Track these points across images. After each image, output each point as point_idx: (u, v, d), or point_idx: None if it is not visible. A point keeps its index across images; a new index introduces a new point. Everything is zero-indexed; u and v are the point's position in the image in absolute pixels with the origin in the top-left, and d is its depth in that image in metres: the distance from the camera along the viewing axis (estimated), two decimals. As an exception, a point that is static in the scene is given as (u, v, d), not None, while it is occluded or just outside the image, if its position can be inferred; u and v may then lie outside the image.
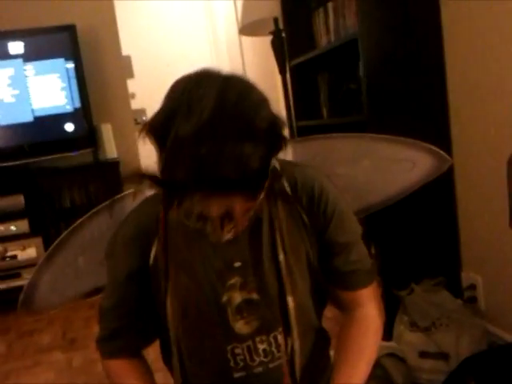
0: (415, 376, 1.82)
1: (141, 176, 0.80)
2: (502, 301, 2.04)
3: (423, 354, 1.84)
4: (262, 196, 0.80)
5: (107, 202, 1.28)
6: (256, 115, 0.75)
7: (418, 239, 2.20)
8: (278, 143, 0.80)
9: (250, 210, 0.83)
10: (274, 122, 0.78)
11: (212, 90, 0.75)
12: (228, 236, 0.86)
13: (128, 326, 1.03)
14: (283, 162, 0.93)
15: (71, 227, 1.27)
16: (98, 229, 1.18)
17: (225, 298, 0.96)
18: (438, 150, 1.32)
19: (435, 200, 2.20)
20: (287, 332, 0.96)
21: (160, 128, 0.77)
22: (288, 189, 0.96)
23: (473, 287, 2.16)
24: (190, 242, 0.96)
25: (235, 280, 0.96)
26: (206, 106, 0.73)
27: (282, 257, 0.94)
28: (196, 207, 0.78)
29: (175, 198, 0.78)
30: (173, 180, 0.75)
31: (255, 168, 0.74)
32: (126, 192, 1.24)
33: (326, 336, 1.14)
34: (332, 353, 1.15)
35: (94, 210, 1.28)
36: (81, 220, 1.28)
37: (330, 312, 1.14)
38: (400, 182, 1.36)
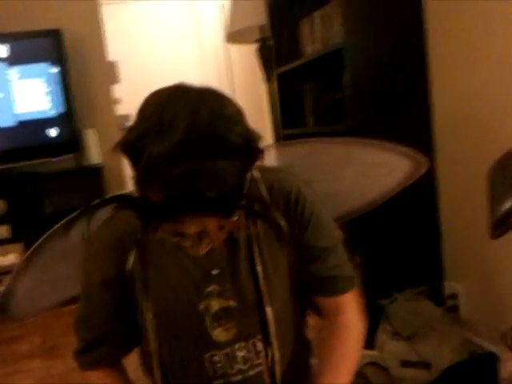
0: (397, 385, 1.82)
1: (117, 200, 0.80)
2: (483, 310, 2.06)
3: (405, 363, 1.85)
4: (237, 214, 0.80)
5: (84, 208, 1.25)
6: (229, 132, 0.74)
7: (400, 248, 2.21)
8: (253, 157, 0.80)
9: (226, 227, 0.83)
10: (248, 136, 0.78)
11: (184, 109, 0.74)
12: (206, 250, 0.85)
13: (104, 336, 1.02)
14: (261, 168, 0.93)
15: (48, 232, 1.25)
16: (79, 235, 1.16)
17: (202, 306, 0.96)
18: (414, 153, 1.32)
19: (418, 209, 2.21)
20: (267, 342, 0.95)
21: (133, 148, 0.76)
22: (265, 194, 0.96)
23: (455, 296, 2.17)
24: (167, 251, 0.96)
25: (213, 288, 0.96)
26: (178, 125, 0.73)
27: (259, 268, 0.94)
28: (172, 227, 0.78)
29: (151, 221, 0.78)
30: (147, 205, 0.75)
31: (230, 185, 0.74)
32: (106, 196, 1.22)
33: (308, 344, 1.14)
34: (314, 361, 1.15)
35: (73, 215, 1.26)
36: (58, 225, 1.25)
37: (313, 320, 1.13)
38: (378, 187, 1.36)
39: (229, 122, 0.76)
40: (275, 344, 0.95)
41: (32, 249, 1.26)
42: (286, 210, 0.97)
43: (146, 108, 0.79)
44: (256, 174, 0.93)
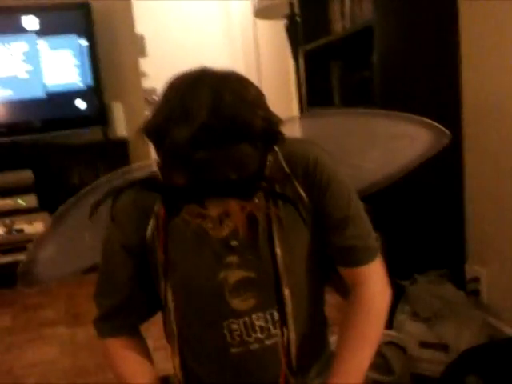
0: (414, 366, 1.83)
1: (140, 182, 0.82)
2: (504, 295, 2.04)
3: (423, 344, 1.85)
4: (257, 196, 0.82)
5: (112, 174, 1.26)
6: (252, 116, 0.75)
7: (423, 230, 2.20)
8: (275, 140, 0.81)
9: (247, 208, 0.84)
10: (270, 120, 0.78)
11: (207, 93, 0.75)
12: (227, 231, 0.86)
13: (123, 303, 1.04)
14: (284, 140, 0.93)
15: (71, 199, 1.26)
16: (104, 202, 1.17)
17: (221, 276, 0.97)
18: (436, 124, 1.30)
19: (443, 191, 2.19)
20: (283, 322, 0.96)
21: (156, 132, 0.78)
22: (285, 165, 0.96)
23: (476, 280, 2.16)
24: (187, 223, 0.97)
25: (232, 258, 0.97)
26: (201, 109, 0.73)
27: (278, 250, 0.94)
28: (194, 209, 0.80)
29: (174, 202, 0.80)
30: (171, 187, 0.77)
31: (253, 168, 0.75)
32: (133, 165, 1.23)
33: (325, 322, 1.14)
34: (333, 339, 1.16)
35: (96, 182, 1.28)
36: (82, 192, 1.25)
37: (333, 299, 1.14)
38: (400, 159, 1.34)
39: (251, 106, 0.77)
40: (291, 324, 0.96)
41: (54, 217, 1.29)
42: (304, 179, 0.97)
43: (168, 93, 0.80)
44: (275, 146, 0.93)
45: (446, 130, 1.30)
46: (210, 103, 0.74)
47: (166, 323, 1.09)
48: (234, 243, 0.96)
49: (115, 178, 1.27)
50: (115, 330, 1.06)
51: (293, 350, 0.97)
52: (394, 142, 1.35)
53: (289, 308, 0.96)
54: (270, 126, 0.78)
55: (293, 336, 0.97)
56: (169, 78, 0.82)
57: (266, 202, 0.92)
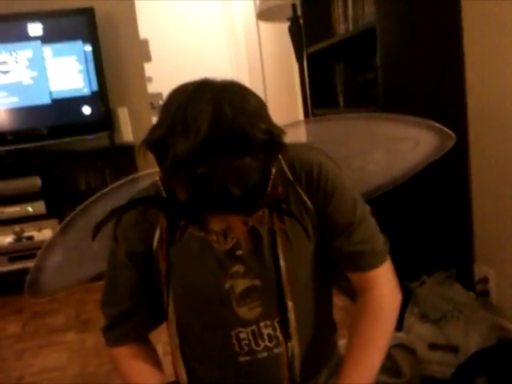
0: (424, 368, 1.82)
1: (143, 200, 0.82)
2: (513, 295, 2.04)
3: (433, 346, 1.84)
4: (261, 209, 0.81)
5: (120, 182, 1.28)
6: (253, 128, 0.75)
7: (431, 231, 2.20)
8: (277, 152, 0.81)
9: (249, 222, 0.85)
10: (272, 131, 0.78)
11: (207, 106, 0.75)
12: (231, 244, 0.87)
13: (129, 312, 1.04)
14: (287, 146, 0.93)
15: (77, 209, 1.27)
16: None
17: (228, 285, 0.97)
18: (441, 126, 1.30)
19: (450, 192, 2.19)
20: (287, 336, 0.96)
21: (158, 146, 0.77)
22: (288, 172, 0.96)
23: (485, 281, 2.15)
24: (191, 234, 0.97)
25: (238, 268, 0.97)
26: (202, 123, 0.73)
27: (282, 262, 0.94)
28: (197, 225, 0.80)
29: (177, 217, 0.80)
30: (173, 205, 0.77)
31: (255, 180, 0.75)
32: (142, 173, 1.24)
33: (333, 326, 1.14)
34: (341, 342, 1.16)
35: (106, 189, 1.28)
36: (90, 200, 1.27)
37: (340, 301, 1.14)
38: (404, 162, 1.34)
39: (252, 118, 0.76)
40: (295, 338, 0.96)
41: (62, 224, 1.30)
42: (308, 186, 0.96)
43: (169, 106, 0.80)
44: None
45: (451, 133, 1.29)
46: (211, 117, 0.74)
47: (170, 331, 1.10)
48: (238, 253, 0.96)
49: (122, 186, 1.29)
50: (122, 338, 1.07)
51: (296, 364, 0.97)
52: (398, 145, 1.35)
53: (292, 322, 0.96)
54: (272, 138, 0.77)
55: (296, 350, 0.97)
56: (169, 91, 0.83)
57: (270, 216, 0.93)
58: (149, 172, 1.32)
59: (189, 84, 0.81)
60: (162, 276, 0.99)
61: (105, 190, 1.28)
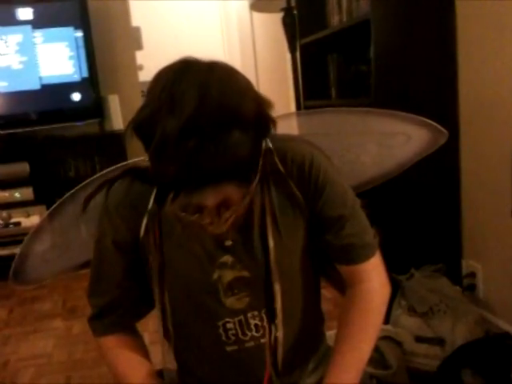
0: (410, 360, 1.83)
1: (132, 171, 0.81)
2: (500, 290, 2.05)
3: (419, 339, 1.86)
4: (256, 180, 0.81)
5: (109, 169, 1.26)
6: (241, 103, 0.75)
7: (420, 225, 2.21)
8: (267, 126, 0.81)
9: (247, 196, 0.83)
10: (260, 105, 0.78)
11: (194, 83, 0.75)
12: (226, 226, 0.85)
13: (116, 301, 1.03)
14: (273, 138, 0.92)
15: (64, 197, 1.26)
16: (98, 197, 1.17)
17: (215, 276, 0.96)
18: (433, 123, 1.30)
19: (440, 187, 2.20)
20: (271, 319, 0.95)
21: (145, 126, 0.77)
22: (279, 164, 0.95)
23: (472, 275, 2.17)
24: (181, 221, 0.96)
25: (226, 258, 0.96)
26: (189, 99, 0.73)
27: (271, 242, 0.93)
28: (192, 199, 0.78)
29: (169, 193, 0.79)
30: (164, 176, 0.75)
31: (246, 155, 0.75)
32: (130, 161, 1.23)
33: (320, 317, 1.15)
34: (329, 333, 1.17)
35: (93, 177, 1.26)
36: (78, 187, 1.26)
37: (329, 293, 1.14)
38: (396, 157, 1.34)
39: (239, 93, 0.77)
40: (280, 323, 0.95)
41: (50, 210, 1.28)
42: (299, 179, 0.96)
43: (155, 86, 0.79)
44: (269, 144, 0.92)
45: (443, 129, 1.30)
46: (197, 93, 0.74)
47: (163, 321, 1.09)
48: (227, 243, 0.96)
49: (111, 174, 1.27)
50: (109, 328, 1.06)
51: (280, 349, 0.97)
52: (389, 140, 1.35)
53: (278, 305, 0.94)
54: (260, 112, 0.78)
55: (280, 335, 0.96)
56: (167, 63, 0.82)
57: (261, 192, 0.92)
58: (138, 160, 1.31)
59: (172, 64, 0.81)
60: (149, 265, 0.98)
61: (93, 177, 1.27)
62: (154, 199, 0.91)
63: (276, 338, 0.95)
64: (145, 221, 0.96)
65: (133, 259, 1.01)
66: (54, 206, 1.27)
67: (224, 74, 0.79)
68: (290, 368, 1.04)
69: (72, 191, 1.27)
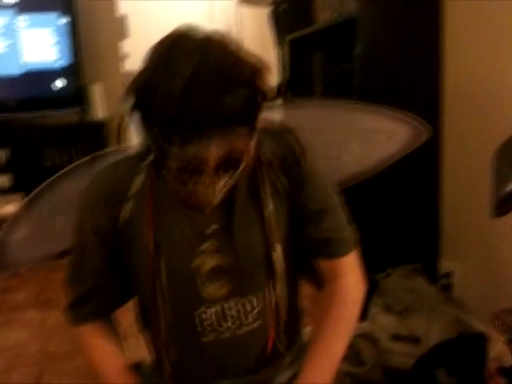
0: (386, 358, 1.84)
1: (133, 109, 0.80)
2: (476, 290, 2.07)
3: (395, 337, 1.87)
4: (255, 137, 0.83)
5: (86, 158, 1.26)
6: (239, 64, 0.78)
7: (398, 224, 2.22)
8: (263, 88, 0.81)
9: (249, 152, 0.84)
10: (257, 69, 0.80)
11: (193, 46, 0.77)
12: (220, 195, 0.85)
13: (94, 289, 1.02)
14: (262, 128, 0.92)
15: (48, 181, 1.25)
16: (76, 187, 1.15)
17: (194, 264, 0.96)
18: (414, 120, 1.32)
19: (419, 187, 2.21)
20: (272, 283, 0.96)
21: (143, 87, 0.78)
22: (263, 154, 0.96)
23: (448, 275, 2.18)
24: (163, 209, 0.96)
25: (207, 246, 0.96)
26: (188, 61, 0.75)
27: (271, 206, 0.95)
28: (195, 150, 0.77)
29: (164, 163, 0.79)
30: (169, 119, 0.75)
31: (244, 116, 0.77)
32: (108, 149, 1.22)
33: (299, 311, 1.15)
34: (305, 330, 1.17)
35: (71, 166, 1.27)
36: (57, 176, 1.25)
37: (306, 291, 1.14)
38: (378, 153, 1.36)
39: (237, 56, 0.79)
40: (281, 284, 0.96)
41: (28, 199, 1.27)
42: (282, 169, 0.97)
43: (153, 52, 0.80)
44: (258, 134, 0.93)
45: (424, 127, 1.31)
46: (196, 55, 0.75)
47: (141, 310, 1.08)
48: (208, 231, 0.96)
49: (90, 163, 1.27)
50: (87, 316, 1.05)
51: (282, 311, 0.98)
52: (372, 136, 1.37)
53: (279, 266, 0.95)
54: (258, 72, 0.80)
55: (282, 296, 0.97)
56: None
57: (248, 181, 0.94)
58: (117, 148, 1.30)
59: (172, 32, 0.82)
60: (137, 249, 0.97)
61: (71, 166, 1.25)
62: (149, 171, 0.93)
63: (277, 301, 0.97)
64: (125, 209, 0.96)
65: (112, 248, 1.00)
66: (31, 195, 1.26)
67: (222, 39, 0.81)
68: (267, 362, 1.04)
69: (49, 180, 1.26)
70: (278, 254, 0.96)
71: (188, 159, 0.79)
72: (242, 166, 0.85)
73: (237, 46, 0.82)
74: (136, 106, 0.79)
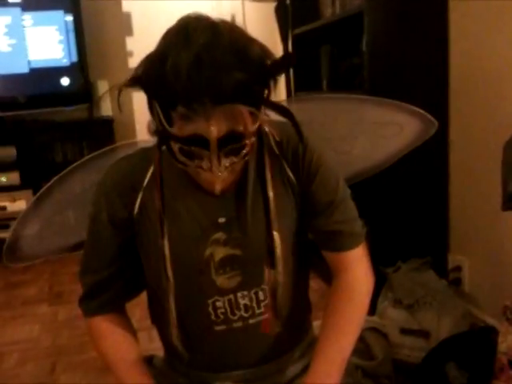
0: (395, 352, 1.85)
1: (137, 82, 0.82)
2: (485, 284, 2.07)
3: (405, 331, 1.87)
4: (261, 112, 0.84)
5: (97, 152, 1.28)
6: (249, 44, 0.80)
7: (407, 218, 2.22)
8: (271, 72, 0.83)
9: (250, 135, 0.84)
10: (265, 52, 0.82)
11: (205, 25, 0.80)
12: (224, 176, 0.86)
13: (109, 279, 1.03)
14: (271, 123, 0.94)
15: (59, 176, 1.26)
16: (89, 181, 1.16)
17: (208, 252, 0.97)
18: (424, 112, 1.33)
19: (428, 181, 2.21)
20: (272, 265, 0.96)
21: (157, 58, 0.79)
22: (275, 147, 0.97)
23: (458, 269, 2.18)
24: (177, 196, 0.97)
25: (219, 235, 0.97)
26: (201, 35, 0.77)
27: (271, 194, 0.95)
28: (200, 125, 0.79)
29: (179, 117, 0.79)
30: (175, 91, 0.76)
31: (257, 84, 0.79)
32: (119, 143, 1.23)
33: (308, 304, 1.16)
34: (315, 324, 1.17)
35: (82, 160, 1.28)
36: (67, 170, 1.27)
37: (316, 284, 1.14)
38: (388, 147, 1.36)
39: (248, 37, 0.83)
40: (280, 267, 0.96)
41: (39, 194, 1.29)
42: (294, 162, 0.98)
43: (167, 33, 0.83)
44: (266, 128, 0.94)
45: (434, 120, 1.31)
46: (209, 30, 0.78)
47: (152, 302, 1.09)
48: (221, 220, 0.97)
49: (99, 157, 1.28)
50: (101, 307, 1.05)
51: (279, 292, 0.98)
52: (382, 129, 1.37)
53: (278, 250, 0.95)
54: (266, 54, 0.82)
55: (280, 279, 0.97)
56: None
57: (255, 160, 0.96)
58: (126, 143, 1.31)
59: (184, 17, 0.85)
60: (148, 236, 0.98)
61: (81, 161, 1.27)
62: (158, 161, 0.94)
63: (276, 282, 0.97)
64: (139, 198, 0.97)
65: (127, 238, 1.01)
66: (43, 189, 1.27)
67: (233, 24, 0.84)
68: (277, 354, 1.05)
69: (59, 175, 1.28)
70: (277, 240, 0.96)
71: (189, 141, 0.81)
72: (245, 150, 0.86)
73: (245, 31, 0.84)
74: (144, 79, 0.81)
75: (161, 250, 0.95)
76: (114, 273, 1.03)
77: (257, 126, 0.85)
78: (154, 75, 0.79)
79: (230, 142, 0.82)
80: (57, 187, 1.29)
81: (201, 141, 0.81)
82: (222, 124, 0.80)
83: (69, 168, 1.28)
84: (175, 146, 0.84)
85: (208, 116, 0.78)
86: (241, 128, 0.82)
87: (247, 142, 0.85)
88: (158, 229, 0.95)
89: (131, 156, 1.02)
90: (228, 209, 0.97)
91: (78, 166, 1.29)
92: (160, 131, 0.84)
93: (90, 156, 1.29)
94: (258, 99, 0.82)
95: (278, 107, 0.86)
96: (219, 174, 0.85)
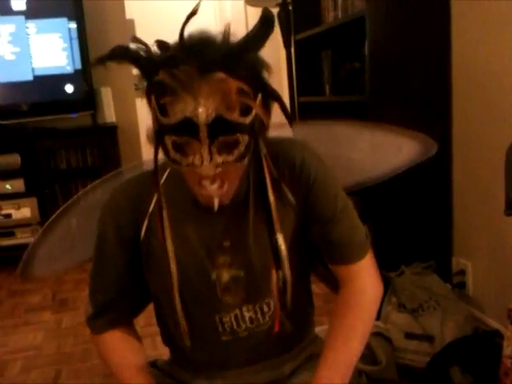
0: (400, 356, 1.84)
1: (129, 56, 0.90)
2: (489, 288, 2.07)
3: (409, 335, 1.87)
4: (259, 100, 0.83)
5: (113, 173, 1.32)
6: (245, 49, 0.85)
7: (411, 222, 2.22)
8: (262, 81, 0.84)
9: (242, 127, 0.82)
10: (261, 59, 0.86)
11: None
12: (216, 170, 0.82)
13: (117, 297, 1.04)
14: (266, 142, 0.92)
15: (76, 196, 1.32)
16: (102, 200, 1.18)
17: (214, 276, 0.99)
18: (423, 135, 1.34)
19: (431, 185, 2.20)
20: (277, 264, 0.97)
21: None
22: (273, 168, 0.96)
23: (462, 273, 2.18)
24: (183, 219, 0.98)
25: (224, 259, 0.99)
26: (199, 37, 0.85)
27: (271, 198, 0.94)
28: (188, 105, 0.78)
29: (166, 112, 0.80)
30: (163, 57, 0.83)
31: (241, 53, 0.83)
32: (126, 166, 1.25)
33: (311, 304, 1.16)
34: (319, 329, 1.18)
35: (101, 180, 1.32)
36: (82, 191, 1.32)
37: (319, 289, 1.14)
38: (388, 164, 1.37)
39: (243, 43, 0.85)
40: (287, 267, 0.96)
41: (55, 215, 1.33)
42: (291, 179, 0.98)
43: None
44: (263, 149, 0.91)
45: (433, 141, 1.35)
46: (208, 36, 0.86)
47: (159, 316, 1.10)
48: (226, 244, 0.98)
49: (109, 179, 1.31)
50: (109, 324, 1.06)
51: (289, 291, 0.98)
52: (382, 149, 1.39)
53: (283, 253, 0.95)
54: (261, 62, 0.84)
55: (288, 277, 0.97)
56: None
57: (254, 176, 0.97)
58: (135, 165, 1.34)
59: None
60: (154, 256, 0.99)
61: (93, 184, 1.31)
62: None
63: (284, 280, 0.97)
64: (146, 220, 0.98)
65: (133, 257, 1.02)
66: (59, 210, 1.33)
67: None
68: (279, 352, 1.07)
69: (75, 197, 1.35)
70: (281, 242, 0.95)
71: (179, 127, 0.80)
72: (238, 150, 0.83)
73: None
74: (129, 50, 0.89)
75: (168, 274, 0.96)
76: (121, 292, 1.05)
77: (250, 120, 0.82)
78: (140, 44, 0.86)
79: (221, 132, 0.80)
80: (71, 208, 1.34)
81: (190, 126, 0.79)
82: (210, 103, 0.78)
83: (84, 189, 1.34)
84: (169, 142, 0.82)
85: (195, 93, 0.77)
86: (232, 116, 0.80)
87: (240, 137, 0.82)
88: (165, 255, 0.95)
89: (137, 179, 1.03)
90: (231, 231, 0.98)
91: (89, 190, 1.34)
92: (156, 131, 0.84)
93: (99, 180, 1.34)
94: (245, 70, 0.81)
95: (264, 86, 0.85)
96: (211, 173, 0.82)
